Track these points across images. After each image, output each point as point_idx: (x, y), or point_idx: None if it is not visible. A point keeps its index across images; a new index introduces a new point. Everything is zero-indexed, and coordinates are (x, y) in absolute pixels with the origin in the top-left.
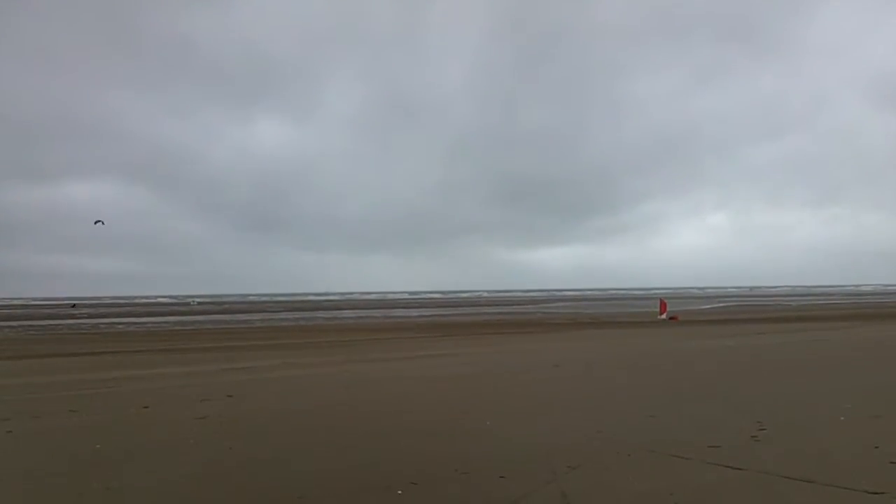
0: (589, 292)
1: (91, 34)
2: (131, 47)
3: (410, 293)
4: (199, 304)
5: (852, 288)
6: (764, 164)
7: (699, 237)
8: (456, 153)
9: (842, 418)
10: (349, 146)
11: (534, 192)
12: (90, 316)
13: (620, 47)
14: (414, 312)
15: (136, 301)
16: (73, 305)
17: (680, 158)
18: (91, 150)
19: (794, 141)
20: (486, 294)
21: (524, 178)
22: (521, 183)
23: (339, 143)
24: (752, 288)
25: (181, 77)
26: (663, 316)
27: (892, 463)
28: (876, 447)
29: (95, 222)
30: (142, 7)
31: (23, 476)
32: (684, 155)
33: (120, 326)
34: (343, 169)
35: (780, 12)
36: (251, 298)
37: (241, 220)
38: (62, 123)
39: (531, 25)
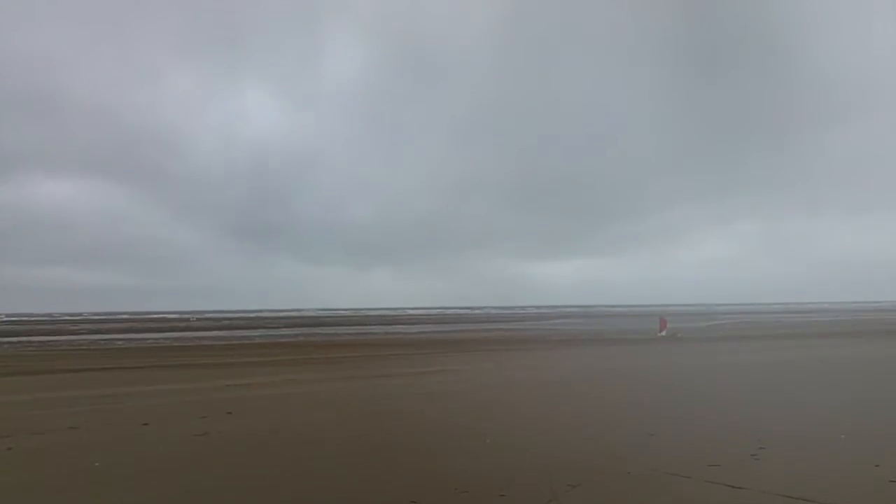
0: (597, 308)
1: None
2: None
3: (414, 309)
4: (198, 319)
5: (883, 304)
6: (815, 157)
7: (727, 248)
8: (472, 132)
9: (842, 436)
10: (349, 127)
11: (552, 192)
12: (89, 332)
13: None
14: (416, 328)
15: (135, 317)
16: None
17: (721, 151)
18: (47, 132)
19: (859, 128)
20: (492, 310)
21: (546, 170)
22: (542, 179)
23: (339, 123)
24: (772, 304)
25: (145, 22)
26: (663, 333)
27: (892, 482)
28: (876, 466)
29: None
30: None
31: (23, 493)
32: (727, 145)
33: (119, 342)
34: (343, 156)
35: None
36: (250, 314)
37: (232, 225)
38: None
39: None
